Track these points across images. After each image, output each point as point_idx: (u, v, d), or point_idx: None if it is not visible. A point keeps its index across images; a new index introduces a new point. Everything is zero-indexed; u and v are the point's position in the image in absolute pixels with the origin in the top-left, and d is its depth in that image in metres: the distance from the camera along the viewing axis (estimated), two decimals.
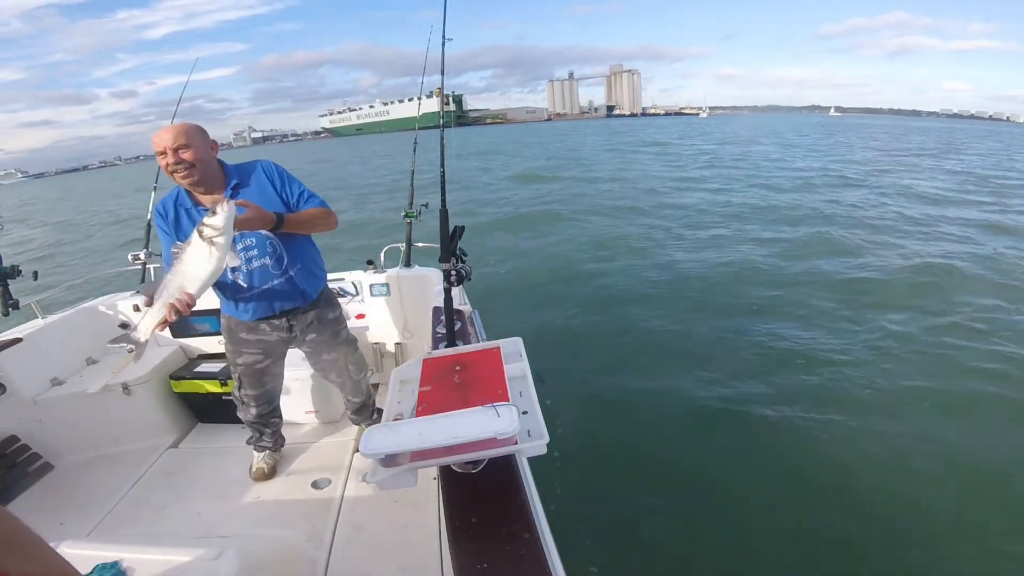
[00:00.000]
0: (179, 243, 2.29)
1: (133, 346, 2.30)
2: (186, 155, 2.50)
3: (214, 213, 2.20)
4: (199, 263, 2.22)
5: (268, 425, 3.42)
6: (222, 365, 4.01)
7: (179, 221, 2.64)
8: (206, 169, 2.57)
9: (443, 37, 2.96)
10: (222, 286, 2.77)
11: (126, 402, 3.77)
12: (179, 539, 2.65)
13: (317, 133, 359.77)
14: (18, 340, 3.59)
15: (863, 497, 4.05)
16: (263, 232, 2.67)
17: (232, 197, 2.60)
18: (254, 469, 3.43)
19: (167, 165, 2.50)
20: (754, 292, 8.39)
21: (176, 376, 3.96)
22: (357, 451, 3.53)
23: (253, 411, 3.29)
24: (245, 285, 2.77)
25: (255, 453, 3.50)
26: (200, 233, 2.20)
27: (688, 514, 3.94)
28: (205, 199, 2.65)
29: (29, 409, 3.58)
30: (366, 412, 3.56)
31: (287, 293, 2.87)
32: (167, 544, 2.05)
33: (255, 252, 2.74)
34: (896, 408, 5.14)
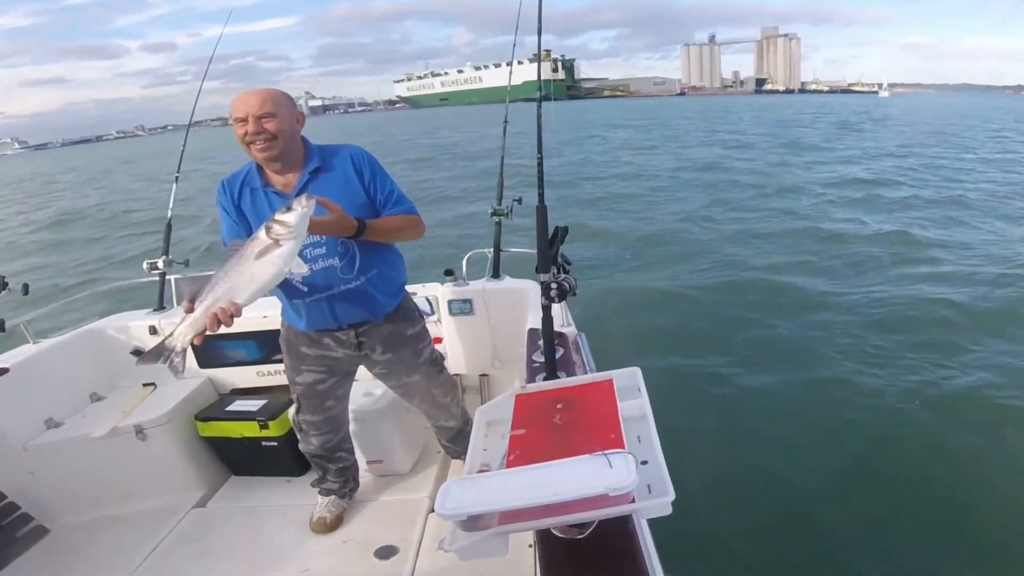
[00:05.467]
0: (238, 240, 2.46)
1: (166, 358, 2.40)
2: (270, 125, 2.68)
3: (289, 208, 2.32)
4: (258, 265, 2.34)
5: (333, 460, 3.51)
6: (262, 403, 4.02)
7: (242, 201, 2.85)
8: (287, 144, 2.75)
9: None
10: (280, 285, 2.85)
11: (140, 449, 3.78)
12: None
13: (391, 102, 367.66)
14: (4, 371, 3.63)
15: None
16: None
17: (311, 181, 2.80)
18: (314, 519, 3.51)
19: (245, 134, 2.68)
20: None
21: (204, 416, 3.98)
22: (432, 511, 3.53)
23: (315, 442, 3.41)
24: (305, 288, 2.87)
25: (319, 498, 3.59)
26: (268, 229, 2.32)
27: None
28: (277, 180, 2.84)
29: (18, 458, 3.56)
30: (462, 440, 3.59)
31: (356, 302, 2.97)
32: None
33: (322, 251, 2.84)
34: None
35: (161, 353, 2.40)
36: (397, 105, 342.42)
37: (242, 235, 2.76)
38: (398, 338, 3.18)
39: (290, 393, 3.33)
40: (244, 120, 2.67)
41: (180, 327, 2.37)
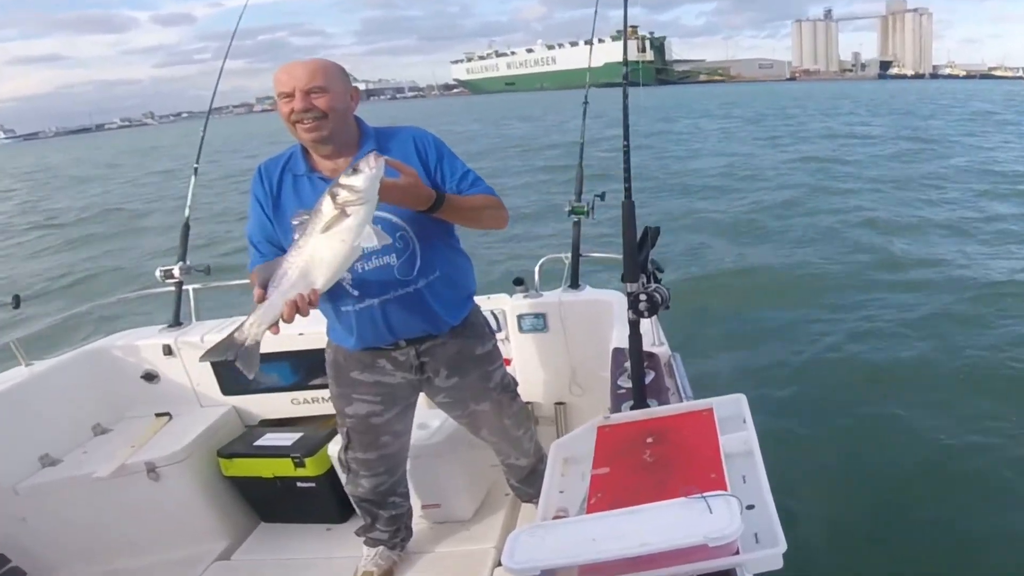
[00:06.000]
0: (303, 211, 2.42)
1: (235, 352, 2.41)
2: (320, 101, 2.63)
3: (356, 170, 2.26)
4: (325, 242, 2.32)
5: (385, 506, 3.43)
6: (297, 436, 3.96)
7: (282, 189, 2.83)
8: (339, 124, 2.73)
9: None
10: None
11: (153, 491, 3.71)
12: None
13: (448, 87, 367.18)
14: None
15: None
16: (392, 217, 2.74)
17: None
18: (359, 573, 3.47)
19: (290, 112, 2.64)
20: None
21: (228, 452, 3.94)
22: (499, 564, 3.43)
23: (365, 484, 3.32)
24: (355, 292, 2.81)
25: (364, 549, 3.53)
26: (334, 196, 2.27)
27: None
28: (325, 165, 2.81)
29: (7, 501, 3.50)
30: (535, 480, 3.47)
31: (415, 312, 2.89)
32: None
33: (376, 246, 2.68)
34: None
35: (230, 347, 2.41)
36: (455, 90, 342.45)
37: (273, 232, 2.80)
38: (466, 359, 3.12)
39: (337, 426, 3.27)
40: (290, 95, 2.64)
41: (253, 316, 2.39)
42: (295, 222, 2.42)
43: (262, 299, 2.36)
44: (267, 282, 2.36)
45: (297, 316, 2.37)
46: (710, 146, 31.98)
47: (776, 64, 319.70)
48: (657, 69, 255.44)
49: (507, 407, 3.30)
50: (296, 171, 2.82)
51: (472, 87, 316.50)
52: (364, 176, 2.24)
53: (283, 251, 2.57)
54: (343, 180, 2.25)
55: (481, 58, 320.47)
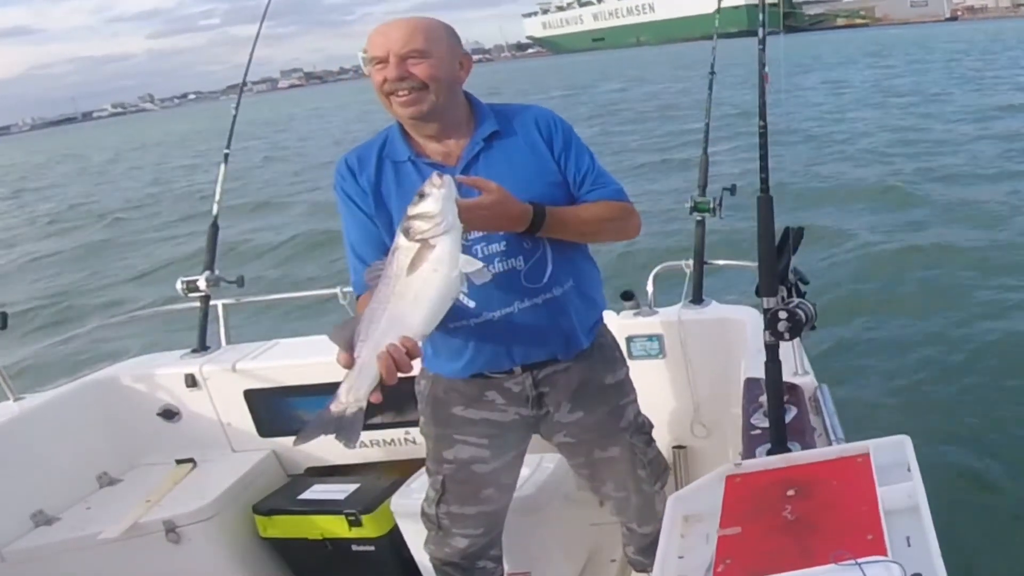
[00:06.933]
0: (377, 261, 2.44)
1: (334, 427, 2.38)
2: (419, 69, 2.61)
3: (421, 196, 2.25)
4: (416, 280, 2.29)
5: (474, 572, 3.31)
6: (352, 488, 3.95)
7: (381, 181, 2.82)
8: (445, 97, 2.71)
9: None
10: None
11: (173, 556, 3.74)
12: None
13: (521, 47, 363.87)
14: None
15: None
16: None
17: (484, 151, 2.78)
18: None
19: (383, 82, 2.64)
20: None
21: (267, 508, 3.96)
22: None
23: (457, 544, 3.22)
24: (471, 304, 2.74)
25: None
26: (407, 232, 2.27)
27: None
28: (434, 149, 2.81)
29: None
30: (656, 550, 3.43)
31: (543, 329, 2.87)
32: None
33: (500, 246, 2.75)
34: None
35: (327, 422, 2.39)
36: (529, 51, 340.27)
37: (379, 234, 2.80)
38: (593, 389, 3.06)
39: (429, 474, 3.21)
40: (383, 61, 2.62)
41: (346, 383, 2.36)
42: (369, 273, 2.40)
43: (350, 363, 2.33)
44: (351, 341, 2.33)
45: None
46: (855, 108, 31.79)
47: (932, 1, 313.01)
48: (785, 14, 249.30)
49: (641, 454, 3.22)
50: (396, 156, 2.82)
51: (551, 45, 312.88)
52: (434, 198, 2.24)
53: None
54: (411, 211, 2.26)
55: (560, 9, 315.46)
